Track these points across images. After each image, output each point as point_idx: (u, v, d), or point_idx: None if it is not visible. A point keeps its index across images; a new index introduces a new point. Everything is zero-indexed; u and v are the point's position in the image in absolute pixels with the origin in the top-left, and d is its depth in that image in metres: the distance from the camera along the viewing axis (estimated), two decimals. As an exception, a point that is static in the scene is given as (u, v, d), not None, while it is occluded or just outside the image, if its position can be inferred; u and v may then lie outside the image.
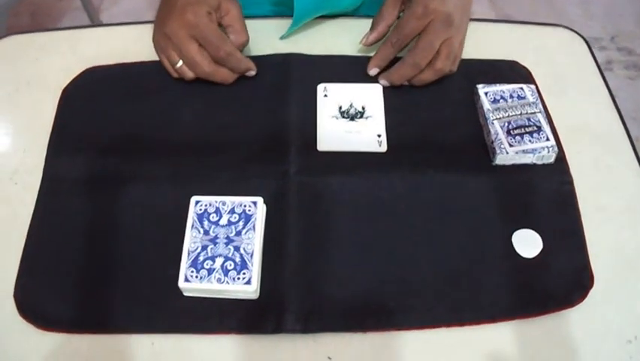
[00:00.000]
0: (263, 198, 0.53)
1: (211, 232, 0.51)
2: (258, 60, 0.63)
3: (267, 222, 0.53)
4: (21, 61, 0.67)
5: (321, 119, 0.61)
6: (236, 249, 0.50)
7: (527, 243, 0.53)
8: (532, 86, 0.62)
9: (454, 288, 0.51)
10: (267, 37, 0.68)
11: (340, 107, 0.62)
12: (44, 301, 0.50)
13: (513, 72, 0.65)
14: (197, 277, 0.49)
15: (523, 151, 0.57)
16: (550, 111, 0.61)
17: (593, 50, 0.70)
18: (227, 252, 0.50)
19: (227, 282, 0.48)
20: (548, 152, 0.57)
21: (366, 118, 0.61)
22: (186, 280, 0.49)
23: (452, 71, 0.62)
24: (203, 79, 0.61)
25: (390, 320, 0.49)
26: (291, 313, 0.49)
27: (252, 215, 0.52)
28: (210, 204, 0.52)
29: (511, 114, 0.59)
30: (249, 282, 0.48)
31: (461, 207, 0.55)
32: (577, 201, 0.56)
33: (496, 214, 0.55)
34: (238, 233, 0.51)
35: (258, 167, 0.57)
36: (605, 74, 0.67)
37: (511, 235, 0.54)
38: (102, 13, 1.81)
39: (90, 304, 0.50)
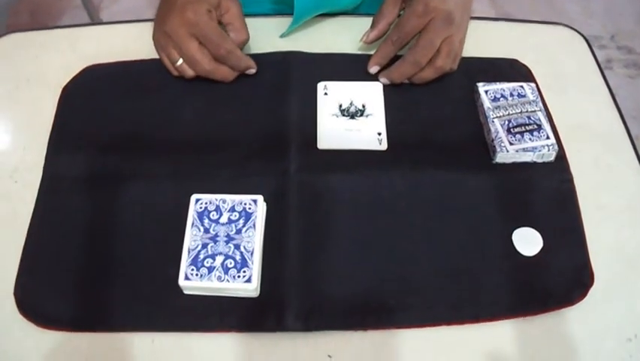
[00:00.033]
0: (263, 196, 0.53)
1: (211, 230, 0.51)
2: (258, 58, 0.63)
3: (267, 221, 0.53)
4: (21, 59, 0.67)
5: (321, 118, 0.61)
6: (237, 247, 0.50)
7: (527, 241, 0.53)
8: (533, 85, 0.62)
9: (454, 286, 0.51)
10: (267, 35, 0.68)
11: (340, 106, 0.62)
12: (44, 299, 0.50)
13: (513, 70, 0.65)
14: (197, 275, 0.49)
15: (524, 149, 0.57)
16: (550, 110, 0.61)
17: (593, 48, 0.70)
18: (228, 250, 0.50)
19: (228, 280, 0.48)
20: (548, 150, 0.57)
21: (367, 116, 0.61)
22: (186, 278, 0.49)
23: (452, 69, 0.62)
24: (203, 77, 0.61)
25: (391, 318, 0.49)
26: (291, 312, 0.49)
27: (252, 213, 0.52)
28: (211, 202, 0.52)
29: (511, 112, 0.59)
30: (249, 280, 0.48)
31: (461, 206, 0.55)
32: (577, 200, 0.56)
33: (497, 212, 0.55)
34: (238, 231, 0.51)
35: (258, 165, 0.57)
36: (605, 72, 0.67)
37: (512, 233, 0.54)
38: (102, 12, 1.81)
39: (90, 302, 0.50)
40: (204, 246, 0.50)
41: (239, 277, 0.48)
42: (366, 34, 0.64)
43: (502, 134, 0.57)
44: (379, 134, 0.60)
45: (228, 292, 0.49)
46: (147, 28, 0.64)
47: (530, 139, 0.57)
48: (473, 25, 0.66)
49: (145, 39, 0.64)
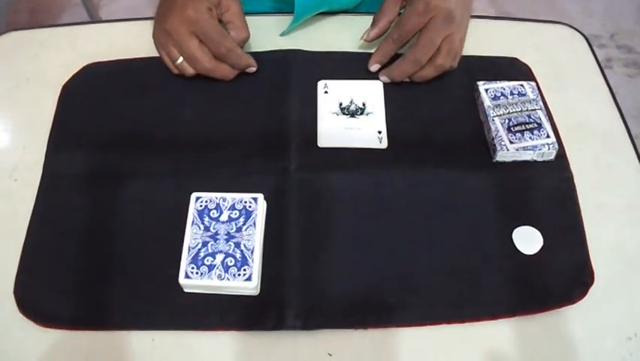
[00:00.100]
0: (263, 194, 0.53)
1: (211, 229, 0.51)
2: (258, 57, 0.63)
3: (267, 219, 0.53)
4: (21, 57, 0.67)
5: (321, 116, 0.61)
6: (237, 245, 0.50)
7: (528, 240, 0.53)
8: (533, 83, 0.62)
9: (454, 285, 0.51)
10: (268, 33, 0.68)
11: (341, 104, 0.62)
12: (44, 297, 0.50)
13: (513, 69, 0.65)
14: (197, 273, 0.49)
15: (524, 148, 0.57)
16: (550, 108, 0.61)
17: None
18: (228, 248, 0.50)
19: (228, 278, 0.48)
20: (549, 149, 0.57)
21: (367, 114, 0.61)
22: (187, 276, 0.48)
23: (453, 68, 0.62)
24: (203, 75, 0.61)
25: (391, 317, 0.49)
26: (291, 310, 0.49)
27: (252, 211, 0.52)
28: (211, 201, 0.52)
29: (511, 111, 0.59)
30: (249, 278, 0.48)
31: (462, 204, 0.55)
32: (577, 198, 0.56)
33: (497, 211, 0.55)
34: (239, 229, 0.51)
35: (258, 163, 0.57)
36: (605, 71, 0.67)
37: (512, 232, 0.54)
38: (101, 10, 1.81)
39: (90, 300, 0.50)
40: (204, 244, 0.50)
41: (239, 275, 0.48)
42: (367, 32, 0.64)
43: (502, 132, 0.57)
44: (379, 132, 0.60)
45: (228, 290, 0.49)
46: (147, 27, 0.64)
47: (530, 138, 0.57)
48: (473, 23, 0.66)
49: (145, 37, 0.64)
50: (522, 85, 0.61)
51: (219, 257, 0.49)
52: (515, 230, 0.54)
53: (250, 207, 0.52)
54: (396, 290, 0.51)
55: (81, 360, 0.48)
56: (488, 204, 0.55)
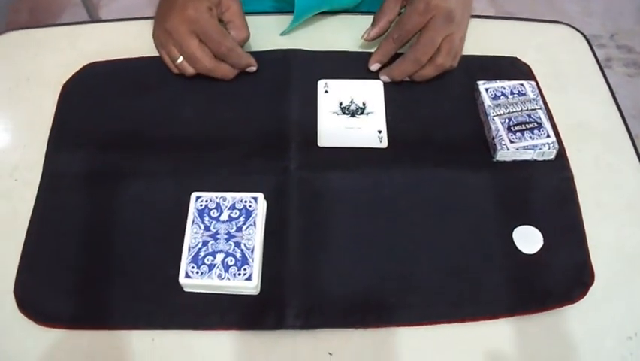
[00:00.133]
0: (263, 193, 0.53)
1: (212, 228, 0.51)
2: (258, 56, 0.63)
3: (267, 218, 0.53)
4: (20, 57, 0.67)
5: (321, 115, 0.61)
6: (237, 245, 0.50)
7: (528, 239, 0.53)
8: (533, 83, 0.62)
9: (454, 284, 0.51)
10: (268, 33, 0.68)
11: (341, 103, 0.62)
12: (44, 297, 0.50)
13: (513, 68, 0.65)
14: (197, 272, 0.48)
15: (524, 147, 0.57)
16: (550, 108, 0.61)
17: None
18: (228, 248, 0.50)
19: (228, 278, 0.48)
20: (549, 148, 0.57)
21: (367, 114, 0.61)
22: (187, 275, 0.48)
23: (453, 67, 0.62)
24: (203, 75, 0.61)
25: (391, 316, 0.49)
26: (291, 309, 0.49)
27: (252, 211, 0.52)
28: (211, 200, 0.52)
29: (511, 111, 0.59)
30: (249, 278, 0.48)
31: (462, 204, 0.55)
32: (577, 198, 0.56)
33: (497, 210, 0.55)
34: (239, 229, 0.51)
35: (258, 163, 0.57)
36: (605, 71, 0.67)
37: (512, 231, 0.54)
38: (101, 9, 1.81)
39: (90, 300, 0.50)
40: (205, 243, 0.50)
41: (239, 274, 0.48)
42: (367, 31, 0.64)
43: (502, 132, 0.57)
44: (380, 132, 0.60)
45: (229, 289, 0.49)
46: (147, 26, 0.64)
47: (531, 137, 0.57)
48: (474, 23, 0.66)
49: (145, 37, 0.64)
50: (522, 84, 0.61)
51: (219, 257, 0.49)
52: (515, 230, 0.54)
53: (250, 206, 0.52)
54: (396, 290, 0.51)
55: (81, 360, 0.48)
56: (488, 203, 0.55)
